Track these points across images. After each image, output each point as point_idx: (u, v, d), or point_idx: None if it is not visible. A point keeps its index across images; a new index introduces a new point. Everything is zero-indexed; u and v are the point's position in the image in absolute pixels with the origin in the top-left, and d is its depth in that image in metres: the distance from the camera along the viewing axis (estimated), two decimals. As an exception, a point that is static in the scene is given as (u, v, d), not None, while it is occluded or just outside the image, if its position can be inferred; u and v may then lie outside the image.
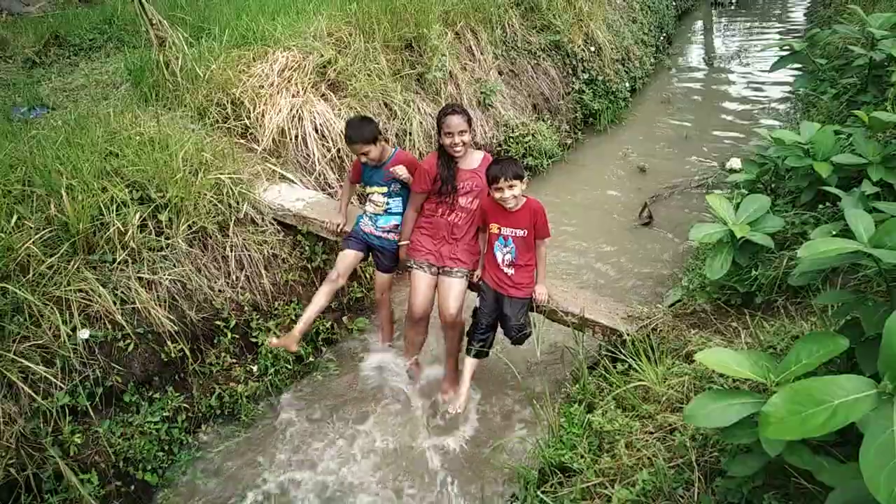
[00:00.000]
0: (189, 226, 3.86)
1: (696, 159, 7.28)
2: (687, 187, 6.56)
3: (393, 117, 5.57)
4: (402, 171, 3.87)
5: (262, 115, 4.88)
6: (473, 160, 3.80)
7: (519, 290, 3.63)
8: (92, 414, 3.28)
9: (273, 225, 4.36)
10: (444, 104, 5.92)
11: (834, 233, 2.10)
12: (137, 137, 4.08)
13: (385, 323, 4.37)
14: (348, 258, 4.02)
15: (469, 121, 3.68)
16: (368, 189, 4.05)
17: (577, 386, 3.18)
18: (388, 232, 4.00)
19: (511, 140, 6.72)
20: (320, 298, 3.94)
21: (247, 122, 4.86)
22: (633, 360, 2.89)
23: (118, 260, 3.51)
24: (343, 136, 4.07)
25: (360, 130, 3.83)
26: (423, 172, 3.76)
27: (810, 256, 1.70)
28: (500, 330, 3.76)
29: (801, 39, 4.39)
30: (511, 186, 3.43)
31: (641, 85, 9.43)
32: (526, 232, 3.58)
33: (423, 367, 4.19)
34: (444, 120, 3.64)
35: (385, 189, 3.99)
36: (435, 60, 6.03)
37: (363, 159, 3.91)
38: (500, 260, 3.64)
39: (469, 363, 3.74)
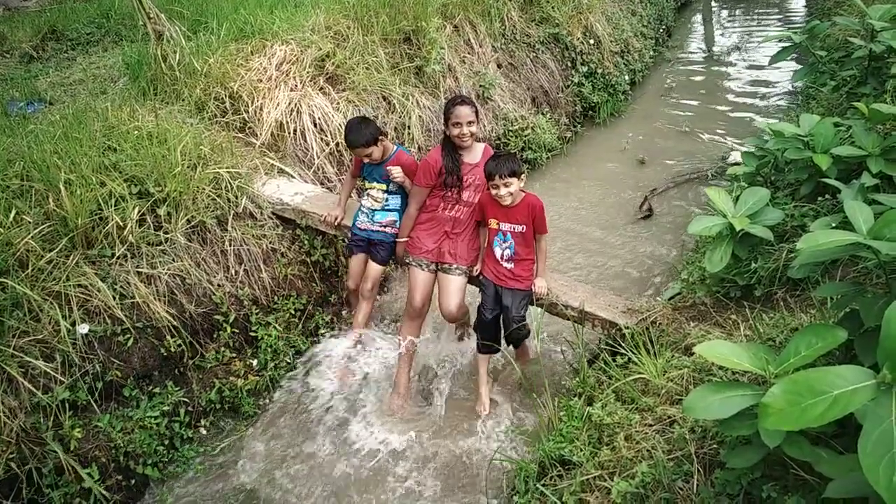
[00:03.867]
0: (188, 220, 3.86)
1: (695, 152, 7.27)
2: (687, 180, 6.55)
3: (392, 111, 5.55)
4: (397, 172, 3.84)
5: (261, 109, 4.87)
6: (476, 153, 3.81)
7: (519, 281, 3.63)
8: (93, 408, 3.29)
9: (272, 219, 4.36)
10: (443, 97, 5.95)
11: (833, 225, 2.09)
12: (136, 132, 4.07)
13: (363, 314, 4.20)
14: (355, 263, 4.16)
15: (476, 112, 3.70)
16: (367, 184, 4.05)
17: (577, 379, 3.19)
18: (386, 226, 4.01)
19: (510, 133, 6.71)
20: (361, 306, 4.18)
21: (245, 116, 4.85)
22: (633, 353, 2.90)
23: (117, 254, 3.52)
24: (343, 139, 4.04)
25: (361, 134, 3.82)
26: (428, 166, 3.73)
27: (809, 248, 1.70)
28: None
29: (800, 31, 4.37)
30: (506, 184, 3.42)
31: (641, 77, 9.39)
32: (524, 227, 3.58)
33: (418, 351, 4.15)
34: (453, 110, 3.64)
35: (385, 186, 4.00)
36: (433, 53, 6.01)
37: (365, 160, 3.93)
38: (499, 255, 3.64)
39: (481, 360, 3.79)
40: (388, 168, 3.87)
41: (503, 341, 3.74)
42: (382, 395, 3.94)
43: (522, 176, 3.51)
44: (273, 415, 3.94)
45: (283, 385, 4.11)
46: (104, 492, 3.18)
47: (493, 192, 3.47)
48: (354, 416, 3.84)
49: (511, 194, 3.46)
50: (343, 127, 4.91)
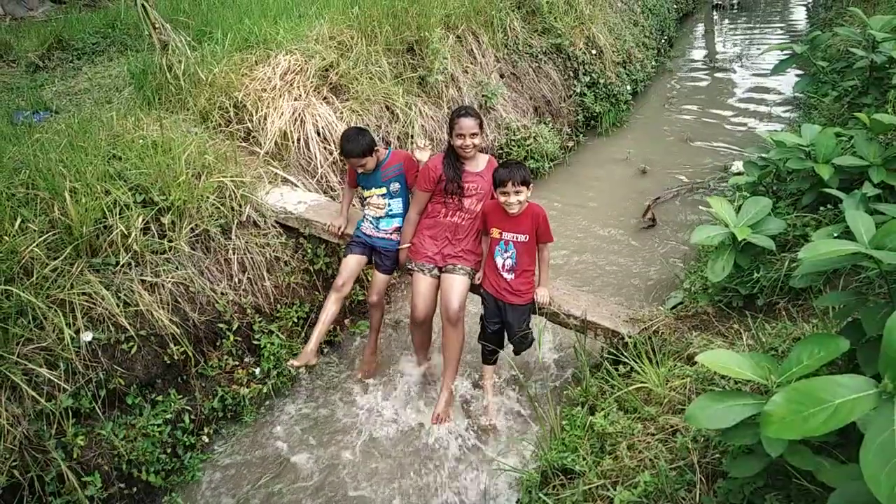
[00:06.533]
0: (192, 229, 3.88)
1: (698, 161, 7.28)
2: (689, 190, 6.56)
3: (395, 120, 5.58)
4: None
5: (265, 119, 4.90)
6: (479, 163, 3.83)
7: (518, 296, 3.63)
8: (96, 416, 3.29)
9: (275, 228, 4.38)
10: (446, 107, 5.98)
11: (835, 235, 2.10)
12: (140, 141, 4.10)
13: (374, 329, 4.19)
14: (351, 264, 4.04)
15: (480, 124, 3.72)
16: (366, 192, 4.06)
17: (579, 388, 3.19)
18: (391, 234, 4.03)
19: (513, 143, 6.74)
20: (330, 308, 3.99)
21: (249, 125, 4.88)
22: (635, 362, 2.90)
23: (121, 263, 3.53)
24: (339, 150, 4.08)
25: (357, 144, 3.85)
26: (427, 172, 3.79)
27: (811, 258, 1.71)
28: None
29: (802, 42, 4.39)
30: (517, 192, 3.44)
31: (643, 87, 9.44)
32: (527, 237, 3.59)
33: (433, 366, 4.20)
34: (458, 121, 3.67)
35: (384, 190, 4.02)
36: (436, 63, 6.04)
37: (359, 170, 3.95)
38: (500, 265, 3.64)
39: (486, 371, 3.84)
40: (415, 151, 3.95)
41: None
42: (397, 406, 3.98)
43: (531, 186, 3.53)
44: (276, 418, 3.95)
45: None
46: (103, 501, 3.18)
47: (503, 199, 3.48)
48: (362, 425, 3.85)
49: (520, 203, 3.48)
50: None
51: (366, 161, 3.88)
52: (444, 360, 3.85)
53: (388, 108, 5.58)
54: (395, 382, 4.15)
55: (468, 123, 3.65)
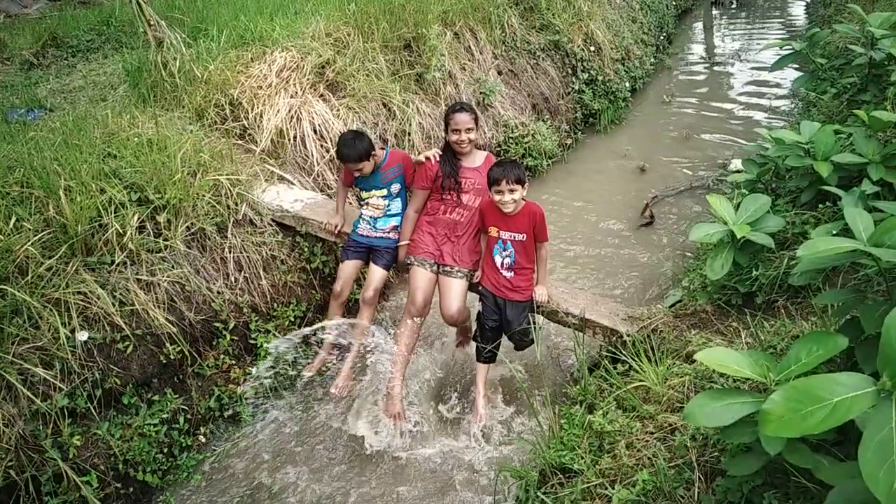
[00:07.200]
0: (188, 227, 3.86)
1: (696, 159, 7.27)
2: (688, 187, 6.55)
3: (392, 117, 5.56)
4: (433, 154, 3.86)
5: (261, 116, 4.87)
6: (476, 159, 3.84)
7: (518, 293, 3.62)
8: (92, 416, 3.28)
9: (271, 226, 4.36)
10: (443, 104, 5.97)
11: (834, 232, 2.09)
12: (136, 139, 4.08)
13: (366, 322, 3.99)
14: (348, 269, 4.04)
15: (476, 119, 3.74)
16: (365, 194, 4.04)
17: (578, 387, 3.18)
18: (388, 232, 4.01)
19: (511, 140, 6.72)
20: (335, 317, 4.03)
21: (245, 122, 4.86)
22: (634, 360, 2.89)
23: (117, 262, 3.51)
24: (336, 154, 4.02)
25: (354, 149, 3.82)
26: (425, 169, 3.79)
27: (810, 256, 1.70)
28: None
29: (801, 38, 4.38)
30: (512, 191, 3.42)
31: (642, 84, 9.42)
32: (525, 236, 3.58)
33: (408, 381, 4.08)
34: (453, 117, 3.68)
35: (385, 192, 4.01)
36: (434, 60, 6.02)
37: (357, 174, 3.93)
38: (498, 263, 3.64)
39: (480, 369, 3.79)
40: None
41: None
42: (378, 399, 3.93)
43: (525, 185, 3.51)
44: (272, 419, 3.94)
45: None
46: (100, 501, 3.16)
47: (498, 198, 3.46)
48: (354, 422, 3.84)
49: (515, 202, 3.47)
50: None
51: (363, 165, 3.86)
52: (458, 336, 4.21)
53: (384, 105, 5.56)
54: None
55: (463, 118, 3.65)
